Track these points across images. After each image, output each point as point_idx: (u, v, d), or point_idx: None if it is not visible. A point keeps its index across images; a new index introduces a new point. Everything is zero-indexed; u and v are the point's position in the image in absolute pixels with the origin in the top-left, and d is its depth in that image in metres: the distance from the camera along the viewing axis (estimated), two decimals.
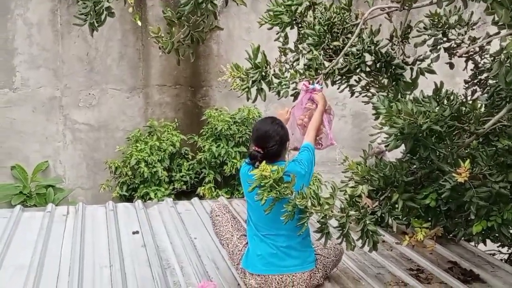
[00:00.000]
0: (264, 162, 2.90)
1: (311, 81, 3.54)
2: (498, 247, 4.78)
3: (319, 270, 3.30)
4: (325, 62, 3.61)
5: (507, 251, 4.88)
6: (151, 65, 7.35)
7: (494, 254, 4.57)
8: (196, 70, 7.45)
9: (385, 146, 3.31)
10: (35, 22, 6.93)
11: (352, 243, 3.03)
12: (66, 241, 3.99)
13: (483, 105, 3.58)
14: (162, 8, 6.28)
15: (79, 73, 7.14)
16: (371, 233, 3.05)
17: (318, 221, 2.96)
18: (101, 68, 7.20)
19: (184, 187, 6.98)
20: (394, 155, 3.84)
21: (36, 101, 7.05)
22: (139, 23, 6.99)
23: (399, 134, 3.05)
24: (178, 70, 7.36)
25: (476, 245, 3.95)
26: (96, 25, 3.43)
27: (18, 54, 6.94)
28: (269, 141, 3.17)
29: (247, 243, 3.32)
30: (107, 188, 6.98)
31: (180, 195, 6.94)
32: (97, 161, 7.26)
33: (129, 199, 6.79)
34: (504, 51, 2.43)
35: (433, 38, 3.53)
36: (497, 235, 3.24)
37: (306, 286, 3.24)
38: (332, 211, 2.95)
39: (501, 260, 4.67)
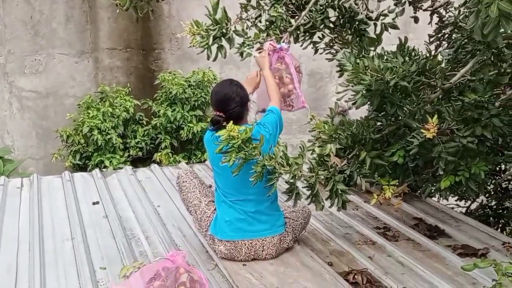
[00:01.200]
0: (231, 122, 2.80)
1: (276, 41, 3.41)
2: (456, 200, 4.87)
3: (289, 233, 3.25)
4: (290, 19, 3.48)
5: (465, 204, 4.99)
6: (100, 27, 7.04)
7: (452, 208, 4.65)
8: (147, 32, 7.19)
9: (352, 104, 3.24)
10: None
11: (322, 203, 2.98)
12: (23, 214, 3.80)
13: (445, 60, 3.56)
14: None
15: (23, 37, 6.78)
16: (340, 192, 3.00)
17: (287, 182, 2.89)
18: (47, 32, 6.85)
19: (140, 153, 6.82)
20: (356, 113, 3.80)
21: None
22: None
23: (366, 91, 2.98)
24: (128, 32, 7.09)
25: (440, 200, 3.98)
26: None
27: None
28: (230, 104, 3.08)
29: (215, 209, 3.23)
30: (59, 157, 6.73)
31: (136, 162, 6.77)
32: (47, 129, 6.97)
33: (83, 168, 6.58)
34: (482, 2, 2.36)
35: None
36: (464, 189, 3.24)
37: (276, 250, 3.19)
38: (301, 171, 2.88)
39: (461, 213, 4.77)
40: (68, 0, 6.86)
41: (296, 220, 3.32)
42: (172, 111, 6.69)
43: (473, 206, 5.02)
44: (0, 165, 6.48)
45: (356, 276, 3.00)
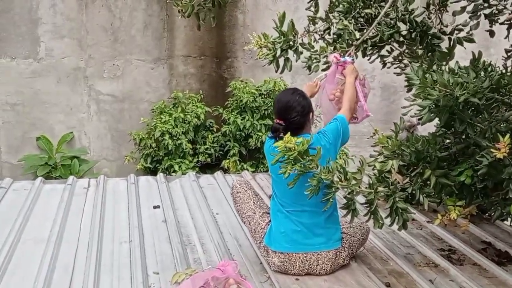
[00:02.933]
0: (288, 133, 2.76)
1: (341, 54, 3.34)
2: None
3: (345, 249, 3.16)
4: (356, 32, 3.40)
5: None
6: (176, 35, 7.19)
7: None
8: (221, 41, 7.27)
9: (418, 119, 3.13)
10: None
11: (380, 221, 2.86)
12: (86, 214, 3.92)
13: None
14: None
15: (103, 43, 7.03)
16: (400, 210, 2.87)
17: (344, 197, 2.81)
18: (126, 38, 7.07)
19: (209, 160, 6.88)
20: (426, 129, 3.65)
21: (61, 72, 6.96)
22: None
23: (433, 106, 2.86)
24: (203, 40, 7.20)
25: None
26: None
27: (42, 23, 6.84)
28: (291, 112, 3.04)
29: (269, 221, 3.19)
30: (132, 160, 6.91)
31: (205, 168, 6.85)
32: (122, 132, 7.19)
33: (154, 171, 6.73)
34: None
35: (473, 3, 3.30)
36: None
37: (331, 265, 3.10)
38: (359, 187, 2.78)
39: None
40: (147, 8, 7.06)
41: (353, 236, 3.22)
42: (242, 119, 6.72)
43: None
44: (75, 164, 6.76)
45: None
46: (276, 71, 3.40)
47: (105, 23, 6.98)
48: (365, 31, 3.37)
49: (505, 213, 3.20)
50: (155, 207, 4.10)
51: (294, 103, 3.06)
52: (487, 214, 4.00)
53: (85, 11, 6.91)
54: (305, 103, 3.11)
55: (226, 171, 6.51)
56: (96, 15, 6.93)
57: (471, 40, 3.38)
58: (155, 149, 6.77)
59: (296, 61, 3.47)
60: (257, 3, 7.23)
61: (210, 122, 7.05)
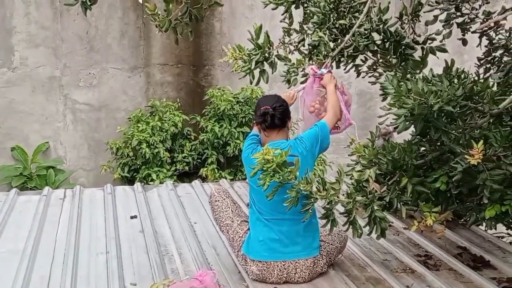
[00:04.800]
0: (267, 145, 2.77)
1: (318, 66, 3.37)
2: (507, 229, 4.64)
3: (323, 257, 3.17)
4: (330, 43, 3.43)
5: None
6: (152, 43, 7.17)
7: (503, 237, 4.44)
8: (198, 49, 7.27)
9: (394, 128, 3.15)
10: (33, 0, 6.74)
11: (359, 230, 2.88)
12: (62, 225, 3.88)
13: (496, 84, 3.41)
14: None
15: (79, 52, 6.97)
16: (379, 219, 2.90)
17: (323, 207, 2.81)
18: (102, 46, 7.03)
19: (187, 168, 6.85)
20: (402, 136, 3.68)
21: (36, 81, 6.89)
22: (140, 0, 6.80)
23: (408, 115, 2.89)
24: (180, 49, 7.19)
25: (487, 229, 3.81)
26: (89, 3, 3.25)
27: (16, 32, 6.76)
28: (276, 103, 3.13)
29: (248, 229, 3.19)
30: (109, 169, 6.86)
31: (183, 176, 6.82)
32: (98, 142, 7.13)
33: (131, 180, 6.68)
34: None
35: (445, 12, 3.35)
36: (511, 219, 3.08)
37: (309, 273, 3.11)
38: (338, 197, 2.80)
39: (510, 243, 4.54)
40: (123, 17, 7.03)
41: (331, 244, 3.24)
42: (219, 127, 6.71)
43: None
44: (51, 175, 6.68)
45: None
46: (251, 83, 3.42)
47: (80, 31, 6.93)
48: (339, 41, 3.40)
49: (480, 218, 3.24)
50: (132, 217, 4.07)
51: (280, 99, 3.19)
52: (462, 220, 4.05)
53: (60, 19, 6.86)
54: (287, 106, 3.20)
55: (204, 179, 6.49)
56: (71, 24, 6.87)
57: (444, 50, 3.43)
58: (132, 158, 6.72)
59: (272, 73, 3.49)
60: (233, 11, 7.25)
61: (188, 130, 7.03)
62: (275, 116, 3.08)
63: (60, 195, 4.50)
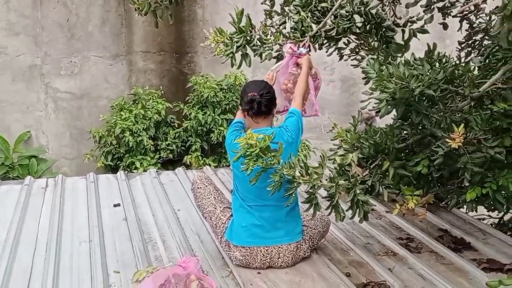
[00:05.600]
0: (250, 130, 2.76)
1: (297, 44, 3.35)
2: (488, 211, 4.69)
3: (306, 241, 3.18)
4: (312, 24, 3.42)
5: (497, 215, 4.80)
6: (134, 31, 7.10)
7: (483, 219, 4.49)
8: (180, 36, 7.22)
9: (376, 112, 3.17)
10: None
11: (342, 214, 2.89)
12: (44, 215, 3.84)
13: (477, 68, 3.43)
14: None
15: (59, 40, 6.89)
16: (361, 203, 2.91)
17: (306, 192, 2.82)
18: (83, 34, 6.95)
19: (171, 155, 6.83)
20: (384, 120, 3.70)
21: (16, 70, 6.81)
22: None
23: (390, 99, 2.90)
24: (162, 36, 7.13)
25: (468, 211, 3.85)
26: None
27: None
28: (264, 90, 3.11)
29: (231, 215, 3.19)
30: (92, 158, 6.81)
31: (167, 164, 6.80)
32: (81, 130, 7.08)
33: (115, 168, 6.64)
34: (507, 8, 2.25)
35: None
36: (491, 202, 3.11)
37: (292, 258, 3.12)
38: (320, 181, 2.80)
39: (491, 225, 4.60)
40: (104, 4, 6.95)
41: (314, 229, 3.25)
42: (203, 114, 6.69)
43: (507, 217, 4.84)
44: (33, 164, 6.62)
45: None
46: (232, 66, 3.40)
47: (61, 19, 6.84)
48: (320, 23, 3.39)
49: (461, 201, 3.27)
50: (115, 205, 4.04)
51: (267, 85, 3.17)
52: (443, 203, 4.09)
53: (40, 7, 6.76)
54: (274, 92, 3.19)
55: (188, 166, 6.48)
56: (51, 11, 6.78)
57: (425, 31, 3.43)
58: (115, 146, 6.68)
59: (254, 56, 3.47)
60: None
61: (171, 118, 7.00)
62: (261, 103, 3.06)
63: (42, 184, 4.46)
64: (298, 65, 3.37)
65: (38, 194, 4.26)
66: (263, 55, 3.39)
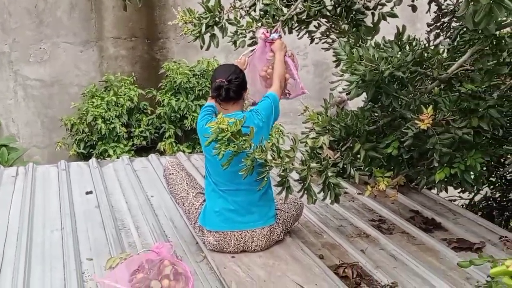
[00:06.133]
0: (221, 114, 2.75)
1: (269, 30, 3.34)
2: (459, 192, 4.78)
3: (279, 225, 3.20)
4: (283, 8, 3.41)
5: (468, 196, 4.89)
6: (105, 16, 7.01)
7: (455, 200, 4.57)
8: (152, 21, 7.15)
9: (347, 94, 3.18)
10: None
11: (314, 197, 2.91)
12: (14, 204, 3.79)
13: (446, 50, 3.46)
14: None
15: (28, 26, 6.78)
16: (333, 185, 2.93)
17: (278, 175, 2.83)
18: (51, 20, 6.84)
19: (144, 143, 6.80)
20: (356, 104, 3.72)
21: None
22: None
23: (360, 81, 2.91)
24: (133, 21, 7.06)
25: (438, 192, 3.91)
26: None
27: None
28: (232, 75, 3.08)
29: (204, 201, 3.19)
30: (64, 146, 6.74)
31: (141, 151, 6.76)
32: (52, 118, 6.99)
33: (87, 156, 6.58)
34: None
35: None
36: (460, 182, 3.16)
37: (266, 241, 3.14)
38: (292, 164, 2.81)
39: (462, 206, 4.68)
40: None
41: (287, 212, 3.27)
42: (176, 101, 6.65)
43: (477, 198, 4.93)
44: (4, 153, 6.52)
45: (346, 270, 2.94)
46: (202, 48, 3.38)
47: (29, 5, 6.72)
48: (292, 7, 3.38)
49: (430, 181, 3.31)
50: (87, 192, 4.01)
51: (236, 69, 3.14)
52: (414, 184, 4.14)
53: None
54: (244, 77, 3.16)
55: (162, 153, 6.45)
56: None
57: (394, 15, 3.45)
58: (88, 134, 6.63)
59: (223, 37, 3.46)
60: None
61: (144, 105, 6.95)
62: (230, 89, 3.05)
63: (12, 173, 4.40)
64: (272, 50, 3.36)
65: (8, 183, 4.20)
66: (237, 42, 3.38)
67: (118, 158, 5.78)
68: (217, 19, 3.33)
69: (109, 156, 6.44)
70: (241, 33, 3.40)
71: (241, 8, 3.46)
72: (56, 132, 6.95)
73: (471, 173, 3.17)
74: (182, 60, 6.98)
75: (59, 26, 6.86)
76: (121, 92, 6.74)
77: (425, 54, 3.14)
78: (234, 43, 3.42)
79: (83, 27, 6.95)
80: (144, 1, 3.76)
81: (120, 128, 6.55)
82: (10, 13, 6.67)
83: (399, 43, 3.11)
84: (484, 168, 3.51)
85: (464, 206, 4.67)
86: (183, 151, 6.10)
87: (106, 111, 6.52)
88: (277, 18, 3.33)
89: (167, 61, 7.01)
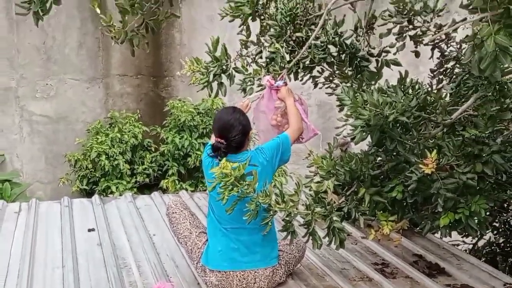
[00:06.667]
0: (224, 159, 2.77)
1: (274, 77, 3.38)
2: (462, 237, 4.75)
3: (282, 266, 3.18)
4: (286, 55, 3.46)
5: (471, 241, 4.86)
6: (112, 54, 7.11)
7: (458, 245, 4.54)
8: (158, 60, 7.24)
9: (351, 139, 3.21)
10: None
11: (319, 242, 2.91)
12: (16, 240, 3.78)
13: (449, 95, 3.50)
14: None
15: (35, 62, 6.86)
16: (337, 230, 2.94)
17: (282, 220, 2.83)
18: (59, 57, 6.93)
19: (147, 180, 6.80)
20: (359, 146, 3.74)
21: None
22: (98, 10, 6.71)
23: (365, 125, 2.94)
24: (140, 59, 7.14)
25: (442, 237, 3.89)
26: (41, 14, 3.18)
27: None
28: (232, 131, 3.03)
29: (206, 240, 3.18)
30: (67, 182, 6.75)
31: (143, 188, 6.75)
32: (56, 154, 7.00)
33: (90, 193, 6.58)
34: (478, 36, 2.32)
35: (398, 25, 3.42)
36: (464, 227, 3.16)
37: (268, 283, 3.11)
38: (297, 209, 2.81)
39: (465, 250, 4.65)
40: (81, 27, 6.95)
41: (290, 253, 3.25)
42: (180, 138, 6.68)
43: (481, 243, 4.90)
44: (7, 188, 6.51)
45: None
46: (210, 96, 3.42)
47: (37, 42, 6.82)
48: (296, 53, 3.43)
49: (434, 226, 3.31)
50: (89, 230, 4.00)
51: (235, 122, 3.06)
52: (418, 228, 4.12)
53: (16, 30, 6.73)
54: (246, 122, 3.11)
55: (165, 191, 6.45)
56: (27, 34, 6.75)
57: (397, 63, 3.50)
58: (91, 170, 6.63)
59: (230, 85, 3.50)
60: (193, 22, 7.25)
61: (148, 142, 6.98)
62: (230, 146, 3.01)
63: (15, 209, 4.40)
64: (279, 98, 3.39)
65: (11, 219, 4.20)
66: (246, 89, 3.42)
67: (121, 195, 5.78)
68: (224, 67, 3.38)
69: (111, 192, 6.44)
70: (249, 80, 3.44)
71: (248, 56, 3.50)
72: (60, 168, 6.96)
73: (475, 218, 3.17)
74: (186, 98, 7.04)
75: (67, 63, 6.95)
76: (125, 129, 6.78)
77: (429, 99, 3.18)
78: (244, 90, 3.46)
79: (90, 65, 7.04)
80: (150, 40, 3.82)
81: (123, 165, 6.57)
82: (18, 50, 6.77)
83: (403, 87, 3.15)
84: (488, 214, 3.49)
85: (467, 251, 4.64)
86: (186, 189, 6.10)
87: (110, 148, 6.55)
88: (283, 66, 3.37)
89: (172, 99, 7.07)
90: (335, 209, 2.94)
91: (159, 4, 3.47)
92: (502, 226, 4.63)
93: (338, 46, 3.39)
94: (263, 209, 2.77)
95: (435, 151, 2.92)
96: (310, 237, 2.88)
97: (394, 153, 3.28)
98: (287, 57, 3.34)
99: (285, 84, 3.36)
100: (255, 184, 2.72)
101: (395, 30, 3.40)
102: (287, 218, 2.81)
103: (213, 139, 3.25)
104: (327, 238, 2.95)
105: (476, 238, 4.82)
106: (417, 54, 3.61)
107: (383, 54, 3.53)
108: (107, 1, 6.89)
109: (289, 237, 2.85)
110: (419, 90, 3.14)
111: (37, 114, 6.94)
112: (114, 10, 6.65)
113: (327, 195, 2.99)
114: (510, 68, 2.89)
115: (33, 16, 3.22)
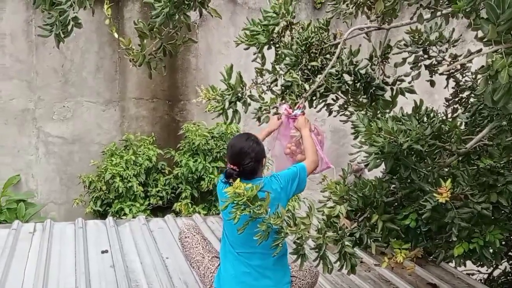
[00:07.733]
0: (238, 179, 2.78)
1: (291, 106, 3.41)
2: (477, 266, 4.70)
3: None
4: (302, 83, 3.48)
5: (486, 271, 4.81)
6: (128, 78, 7.20)
7: (473, 274, 4.49)
8: (173, 84, 7.32)
9: (365, 166, 3.21)
10: (8, 33, 6.74)
11: (329, 266, 2.89)
12: (31, 260, 3.81)
13: (464, 124, 3.51)
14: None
15: (53, 85, 6.97)
16: (349, 255, 2.92)
17: (293, 242, 2.83)
18: (77, 80, 7.03)
19: (160, 202, 6.81)
20: (373, 172, 3.74)
21: (8, 113, 6.85)
22: (116, 35, 6.82)
23: (379, 153, 2.95)
24: (156, 83, 7.23)
25: (456, 266, 3.86)
26: (62, 36, 3.25)
27: None
28: (245, 158, 3.05)
29: (219, 265, 3.18)
30: (81, 203, 6.78)
31: (156, 211, 6.78)
32: (71, 175, 7.06)
33: (103, 214, 6.61)
34: (492, 68, 2.33)
35: (413, 55, 3.46)
36: (478, 257, 3.13)
37: None
38: (308, 232, 2.81)
39: (480, 280, 4.59)
40: (99, 51, 7.06)
41: (302, 280, 3.24)
42: (194, 162, 6.72)
43: (496, 272, 4.84)
44: (22, 208, 6.57)
45: None
46: (225, 123, 3.44)
47: (56, 65, 6.93)
48: (311, 81, 3.46)
49: (449, 256, 3.28)
50: (103, 251, 4.02)
51: (248, 149, 3.07)
52: (432, 257, 4.09)
53: (35, 52, 6.86)
54: (259, 149, 3.12)
55: (178, 213, 6.46)
56: (46, 57, 6.88)
57: (412, 91, 3.52)
58: (105, 191, 6.67)
59: (245, 112, 3.52)
60: (210, 48, 7.34)
61: (162, 165, 7.02)
62: (243, 173, 3.03)
63: (30, 229, 4.44)
64: (296, 128, 3.41)
65: (26, 239, 4.23)
66: (261, 118, 3.44)
67: (134, 217, 5.81)
68: (239, 95, 3.41)
69: (125, 214, 6.47)
70: (265, 109, 3.46)
71: (263, 84, 3.52)
72: (74, 189, 7.01)
73: (490, 248, 3.14)
74: (201, 122, 7.10)
75: (84, 85, 7.05)
76: (140, 151, 6.83)
77: (443, 127, 3.19)
78: (258, 119, 3.47)
79: (107, 87, 7.14)
80: (167, 64, 3.88)
81: (137, 187, 6.60)
82: (37, 72, 6.88)
83: (417, 115, 3.16)
84: (503, 244, 3.46)
85: (482, 281, 4.58)
86: (199, 212, 6.11)
87: (124, 170, 6.59)
88: (299, 94, 3.39)
89: (187, 123, 7.12)
90: (347, 234, 2.93)
91: (177, 29, 3.52)
92: None
93: (353, 75, 3.42)
94: (274, 232, 2.78)
95: (449, 180, 2.91)
96: (321, 261, 2.87)
97: (408, 181, 3.27)
98: (306, 86, 3.36)
99: (303, 113, 3.38)
100: (267, 205, 2.73)
101: (410, 59, 3.43)
102: (298, 241, 2.80)
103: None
104: (338, 263, 2.94)
105: (491, 268, 4.77)
106: (432, 84, 3.63)
107: (398, 82, 3.55)
108: (126, 26, 7.02)
109: (299, 260, 2.84)
110: (434, 119, 3.15)
111: (54, 135, 7.02)
112: (132, 34, 6.82)
113: (339, 220, 2.99)
114: None
115: (55, 38, 3.28)
